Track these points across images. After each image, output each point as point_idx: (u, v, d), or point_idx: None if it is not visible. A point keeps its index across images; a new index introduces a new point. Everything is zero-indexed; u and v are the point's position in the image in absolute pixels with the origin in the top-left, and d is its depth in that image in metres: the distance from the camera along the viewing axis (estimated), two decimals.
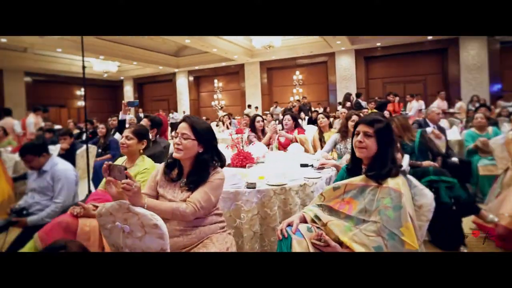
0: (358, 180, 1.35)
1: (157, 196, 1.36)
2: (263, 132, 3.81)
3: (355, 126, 1.39)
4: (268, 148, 3.36)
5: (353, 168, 1.44)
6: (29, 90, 13.08)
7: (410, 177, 1.35)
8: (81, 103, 15.10)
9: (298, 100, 10.80)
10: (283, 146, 3.48)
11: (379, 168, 1.30)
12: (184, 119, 1.35)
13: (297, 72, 13.00)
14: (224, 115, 7.56)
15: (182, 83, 15.36)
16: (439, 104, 7.63)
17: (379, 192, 1.27)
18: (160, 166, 1.42)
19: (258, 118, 3.78)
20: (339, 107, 8.52)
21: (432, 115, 3.69)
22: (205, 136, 1.33)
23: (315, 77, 12.92)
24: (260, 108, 12.89)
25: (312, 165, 2.30)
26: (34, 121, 6.58)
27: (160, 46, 12.63)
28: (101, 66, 13.55)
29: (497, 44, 9.60)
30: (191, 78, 15.21)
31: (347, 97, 8.82)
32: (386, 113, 5.89)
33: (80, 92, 15.32)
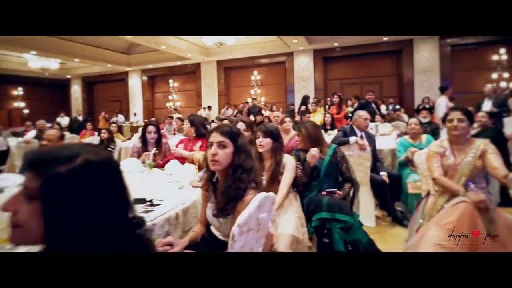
0: None
1: None
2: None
3: None
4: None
5: None
6: None
7: None
8: (17, 103, 13.55)
9: (247, 102, 10.11)
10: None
11: None
12: None
13: (255, 72, 12.37)
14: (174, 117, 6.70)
15: (135, 83, 14.27)
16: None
17: None
18: None
19: (151, 128, 2.89)
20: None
21: (359, 121, 3.10)
22: None
23: (274, 77, 12.36)
24: (216, 109, 12.15)
25: (151, 201, 1.58)
26: None
27: (108, 43, 11.49)
28: (38, 63, 12.12)
29: (447, 47, 9.59)
30: (145, 78, 14.17)
31: (305, 100, 7.98)
32: (327, 117, 5.33)
33: (17, 92, 13.74)
